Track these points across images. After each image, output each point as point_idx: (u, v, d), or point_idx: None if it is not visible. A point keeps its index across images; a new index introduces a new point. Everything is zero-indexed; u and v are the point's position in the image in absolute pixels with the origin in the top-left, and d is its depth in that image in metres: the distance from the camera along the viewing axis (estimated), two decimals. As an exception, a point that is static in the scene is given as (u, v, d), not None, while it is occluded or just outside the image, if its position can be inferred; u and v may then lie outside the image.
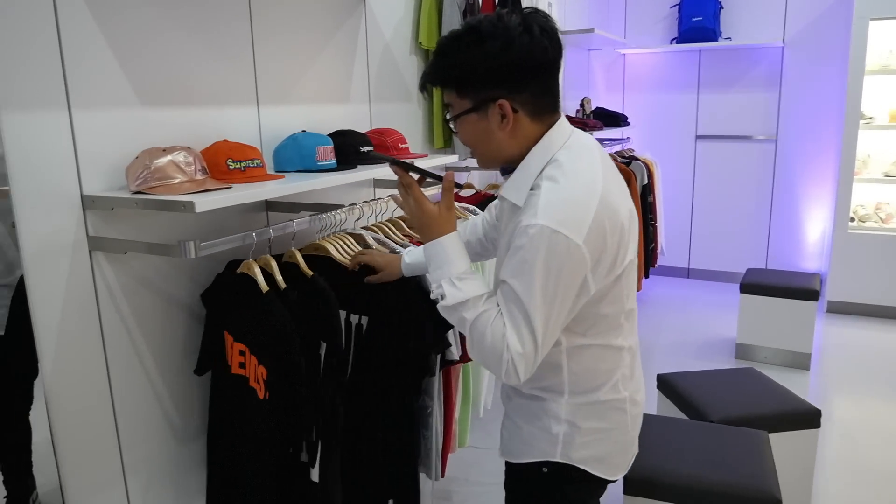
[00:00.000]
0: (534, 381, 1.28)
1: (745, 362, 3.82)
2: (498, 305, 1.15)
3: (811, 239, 5.10)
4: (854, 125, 4.36)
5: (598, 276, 1.16)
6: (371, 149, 2.11)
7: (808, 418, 2.27)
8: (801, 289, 3.66)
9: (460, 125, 1.22)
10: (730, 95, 5.12)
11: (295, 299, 1.56)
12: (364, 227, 1.98)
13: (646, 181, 4.42)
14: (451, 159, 2.39)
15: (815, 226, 5.07)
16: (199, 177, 1.54)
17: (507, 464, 1.40)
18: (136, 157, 1.49)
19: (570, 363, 1.26)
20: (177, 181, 1.48)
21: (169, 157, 1.49)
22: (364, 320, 1.68)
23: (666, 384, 2.51)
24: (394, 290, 1.68)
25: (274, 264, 1.59)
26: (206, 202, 1.34)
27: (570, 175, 1.14)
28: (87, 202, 1.47)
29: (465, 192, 3.05)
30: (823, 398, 3.40)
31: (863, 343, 4.11)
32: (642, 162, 4.48)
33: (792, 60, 4.92)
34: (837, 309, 4.61)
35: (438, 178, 1.25)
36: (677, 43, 5.08)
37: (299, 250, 1.69)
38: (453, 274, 1.17)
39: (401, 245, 1.96)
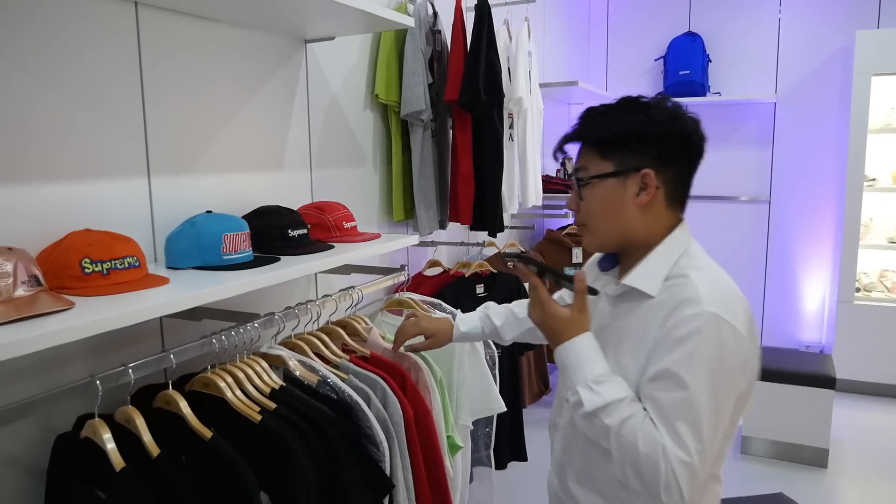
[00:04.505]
0: None
1: (754, 458, 3.34)
2: (645, 410, 1.04)
3: (810, 309, 4.70)
4: (857, 187, 4.00)
5: (745, 374, 1.08)
6: (305, 231, 1.62)
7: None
8: (816, 375, 3.22)
9: (591, 190, 1.15)
10: (719, 153, 4.77)
11: (171, 475, 1.04)
12: (284, 342, 1.47)
13: (634, 247, 4.00)
14: (411, 240, 1.91)
15: (814, 295, 4.68)
16: (21, 292, 1.03)
17: None
18: (-81, 268, 0.99)
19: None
20: (-20, 303, 0.97)
21: (-31, 266, 0.98)
22: None
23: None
24: (308, 453, 1.17)
25: (140, 421, 1.08)
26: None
27: (713, 267, 1.14)
28: None
29: (430, 272, 2.57)
30: (849, 507, 2.92)
31: (882, 432, 3.66)
32: (629, 226, 4.08)
33: (785, 117, 4.59)
34: (845, 388, 4.16)
35: (568, 280, 1.13)
36: (663, 97, 4.73)
37: (179, 387, 1.18)
38: (589, 378, 1.07)
39: (336, 366, 1.46)
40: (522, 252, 1.17)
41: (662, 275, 1.12)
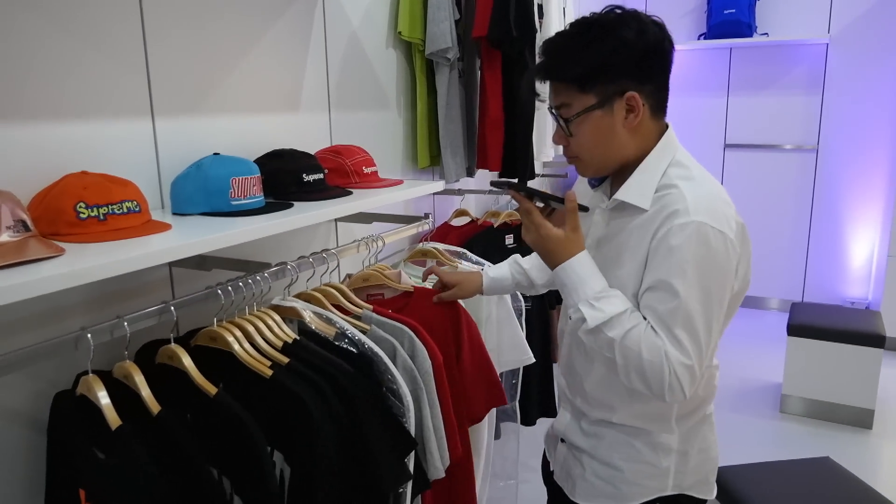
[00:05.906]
0: (637, 408, 1.22)
1: (793, 418, 3.21)
2: (645, 319, 1.08)
3: (856, 263, 4.49)
4: (915, 134, 3.74)
5: (737, 277, 1.12)
6: (321, 176, 1.52)
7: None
8: (863, 333, 3.05)
9: (579, 125, 1.13)
10: (765, 98, 4.50)
11: (174, 433, 0.96)
12: (300, 294, 1.38)
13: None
14: (435, 186, 1.79)
15: (861, 248, 4.45)
16: (5, 238, 0.94)
17: None
18: None
19: None
20: (-40, 249, 0.89)
21: (-52, 209, 0.90)
22: (286, 468, 1.08)
23: (720, 485, 1.90)
24: (326, 411, 1.09)
25: (139, 377, 1.00)
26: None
27: (703, 175, 1.14)
28: None
29: (457, 221, 2.46)
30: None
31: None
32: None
33: (838, 59, 4.30)
34: (894, 347, 3.98)
35: (560, 201, 1.14)
36: (706, 39, 4.47)
37: (185, 341, 1.10)
38: (589, 295, 1.10)
39: (357, 317, 1.37)
40: (508, 181, 1.22)
41: (653, 187, 1.13)
